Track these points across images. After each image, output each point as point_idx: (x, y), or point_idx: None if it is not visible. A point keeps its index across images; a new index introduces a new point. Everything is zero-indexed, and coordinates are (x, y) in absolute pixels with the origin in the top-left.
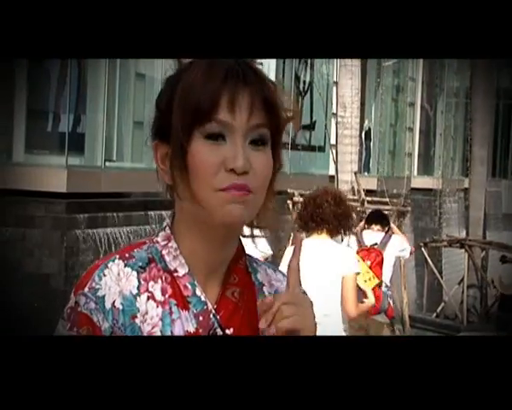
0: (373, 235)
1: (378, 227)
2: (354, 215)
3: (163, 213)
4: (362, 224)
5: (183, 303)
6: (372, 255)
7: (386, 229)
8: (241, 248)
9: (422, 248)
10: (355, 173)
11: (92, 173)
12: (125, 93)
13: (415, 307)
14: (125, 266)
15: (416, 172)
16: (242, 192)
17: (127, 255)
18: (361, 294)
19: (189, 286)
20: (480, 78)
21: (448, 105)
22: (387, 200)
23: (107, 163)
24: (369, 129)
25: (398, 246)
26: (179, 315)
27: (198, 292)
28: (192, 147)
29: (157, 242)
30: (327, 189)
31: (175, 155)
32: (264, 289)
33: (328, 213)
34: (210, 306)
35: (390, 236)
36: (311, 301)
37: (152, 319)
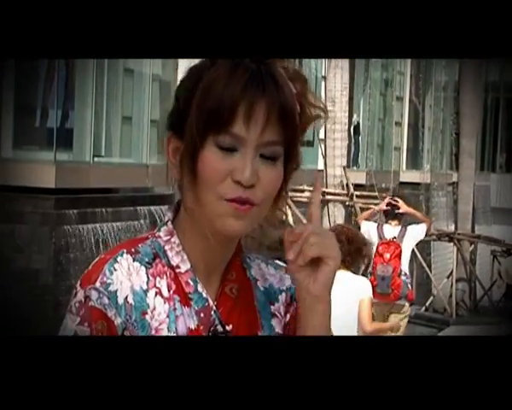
0: (391, 229)
1: (395, 222)
2: (366, 248)
3: (151, 208)
4: (365, 214)
5: (185, 300)
6: (391, 248)
7: (404, 222)
8: (239, 244)
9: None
10: (344, 168)
11: (81, 169)
12: (114, 88)
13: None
14: (134, 260)
15: (404, 167)
16: (245, 207)
17: (133, 250)
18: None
19: (191, 282)
20: (468, 71)
21: (436, 99)
22: (376, 194)
23: (96, 158)
24: (358, 123)
25: (414, 236)
26: (182, 312)
27: (200, 289)
28: (203, 152)
29: (159, 236)
30: (341, 229)
31: (186, 156)
32: (259, 283)
33: (344, 252)
34: (211, 302)
35: (406, 229)
36: (332, 234)
37: (159, 315)
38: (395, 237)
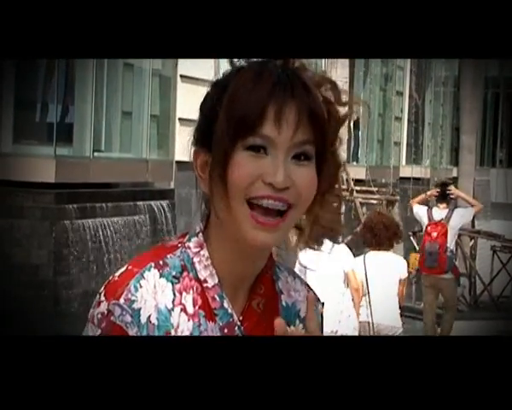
0: (439, 212)
1: (444, 205)
2: (400, 230)
3: (151, 203)
4: (418, 198)
5: (211, 315)
6: (438, 228)
7: (451, 205)
8: (271, 257)
9: (411, 237)
10: (343, 163)
11: (81, 164)
12: (114, 83)
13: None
14: (160, 276)
15: (404, 162)
16: (275, 221)
17: (161, 263)
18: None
19: (218, 298)
20: (468, 67)
21: (436, 94)
22: (376, 189)
23: (96, 153)
24: (358, 118)
25: (462, 216)
26: (206, 327)
27: (225, 304)
28: (234, 158)
29: (189, 247)
30: (378, 218)
31: (215, 165)
32: (283, 297)
33: (382, 238)
34: (235, 318)
35: (452, 211)
36: None
37: (182, 333)
38: (442, 219)
